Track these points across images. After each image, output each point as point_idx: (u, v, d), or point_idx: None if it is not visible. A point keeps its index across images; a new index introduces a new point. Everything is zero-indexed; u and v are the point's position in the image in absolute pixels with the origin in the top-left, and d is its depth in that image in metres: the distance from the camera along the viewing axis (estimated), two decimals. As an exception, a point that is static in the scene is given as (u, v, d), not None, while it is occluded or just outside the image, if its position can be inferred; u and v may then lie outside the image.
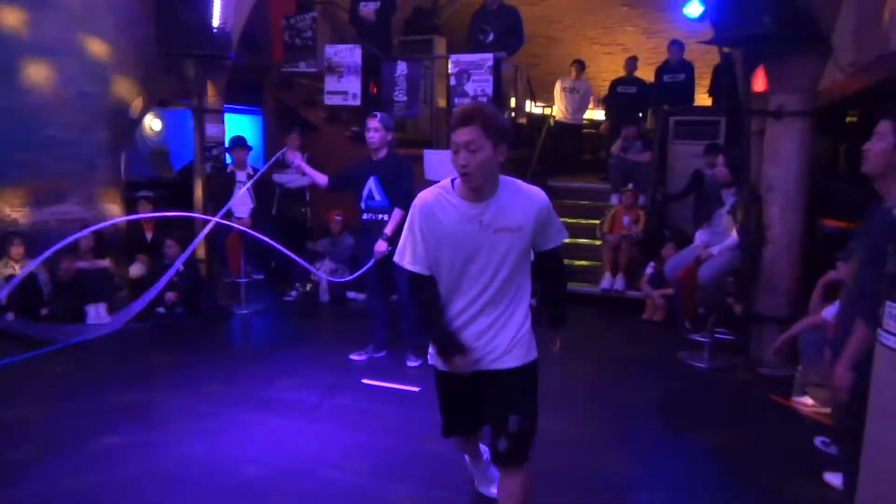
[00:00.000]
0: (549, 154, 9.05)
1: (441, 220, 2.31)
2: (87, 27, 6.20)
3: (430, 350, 2.54)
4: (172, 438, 3.83)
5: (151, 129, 9.03)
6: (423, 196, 2.38)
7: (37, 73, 6.03)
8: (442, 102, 8.43)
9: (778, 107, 5.07)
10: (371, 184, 4.89)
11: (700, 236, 5.33)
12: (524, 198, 2.33)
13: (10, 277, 5.65)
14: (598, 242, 7.31)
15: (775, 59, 5.05)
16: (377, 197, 4.90)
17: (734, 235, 5.05)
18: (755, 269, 5.13)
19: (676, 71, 8.68)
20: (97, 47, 6.28)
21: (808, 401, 4.28)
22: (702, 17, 8.39)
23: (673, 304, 6.15)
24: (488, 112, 2.25)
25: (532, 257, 2.47)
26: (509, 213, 2.29)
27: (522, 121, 9.40)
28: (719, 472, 3.58)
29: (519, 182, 2.38)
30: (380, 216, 4.91)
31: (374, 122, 4.88)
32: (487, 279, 2.33)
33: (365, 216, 4.98)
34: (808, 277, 5.02)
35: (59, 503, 3.17)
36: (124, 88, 6.55)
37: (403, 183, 4.75)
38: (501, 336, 2.38)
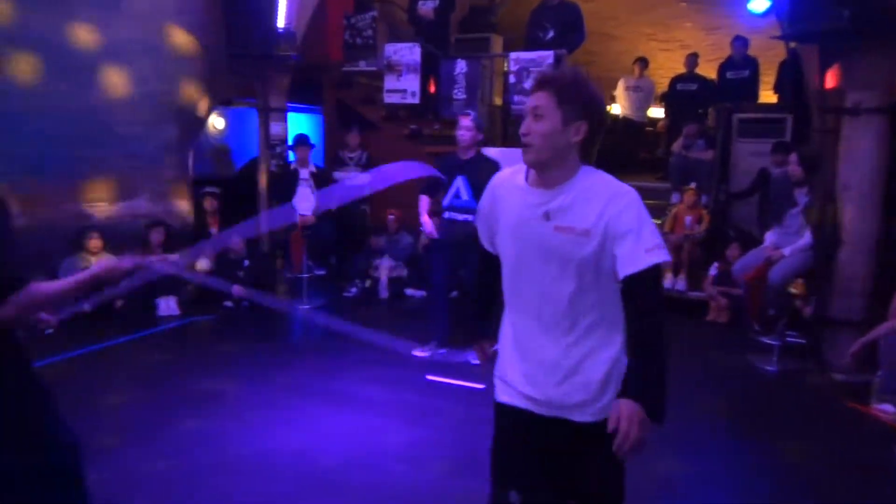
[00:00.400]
0: (607, 153, 8.94)
1: (505, 200, 1.95)
2: (157, 29, 6.41)
3: (495, 380, 2.06)
4: (245, 428, 3.94)
5: (214, 128, 9.26)
6: (501, 172, 2.08)
7: (108, 74, 6.25)
8: (498, 101, 8.42)
9: (854, 104, 4.91)
10: (459, 183, 4.89)
11: (770, 237, 5.21)
12: (602, 193, 1.79)
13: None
14: (658, 241, 7.19)
15: (853, 56, 4.89)
16: (464, 196, 4.88)
17: (807, 236, 4.91)
18: (829, 271, 4.98)
19: (740, 67, 8.48)
20: (166, 48, 6.49)
21: (890, 408, 4.14)
22: (767, 13, 8.17)
23: (739, 306, 6.02)
24: (570, 79, 1.82)
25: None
26: (578, 210, 1.80)
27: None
28: (791, 481, 3.49)
29: (605, 176, 1.85)
30: (464, 216, 4.85)
31: (466, 121, 4.87)
32: (544, 289, 1.86)
33: (447, 214, 4.97)
34: (882, 280, 4.86)
35: (137, 487, 3.29)
36: (192, 88, 6.75)
37: None
38: (577, 378, 1.86)
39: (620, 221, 1.75)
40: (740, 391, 4.78)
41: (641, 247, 1.73)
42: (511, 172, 1.99)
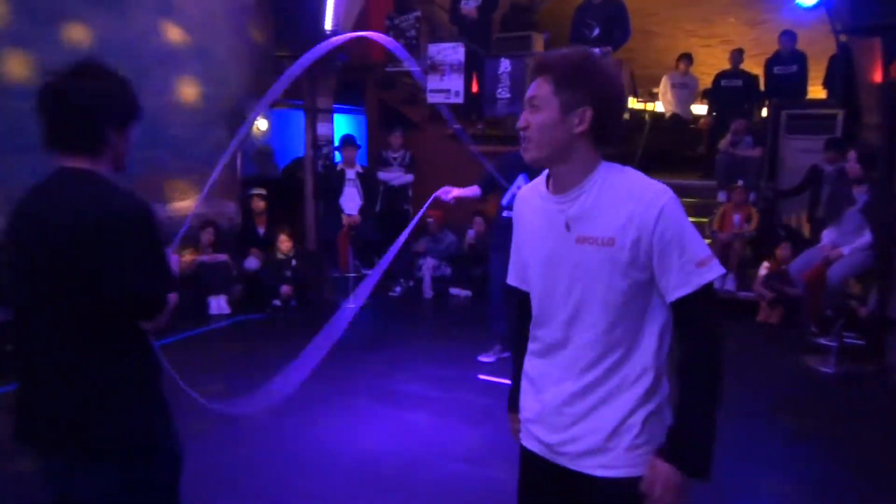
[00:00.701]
0: (655, 150, 8.87)
1: (525, 217, 1.70)
2: (208, 31, 6.52)
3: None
4: (304, 425, 3.98)
5: (258, 129, 9.40)
6: (525, 186, 1.78)
7: (159, 76, 6.37)
8: (539, 99, 8.38)
9: (917, 99, 4.80)
10: (520, 181, 4.87)
11: (828, 235, 5.11)
12: (628, 193, 1.50)
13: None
14: (706, 241, 7.11)
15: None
16: None
17: (867, 235, 4.81)
18: (889, 270, 4.88)
19: (788, 62, 8.31)
20: (216, 50, 6.59)
21: (959, 411, 4.04)
22: (816, 6, 8.01)
23: (792, 306, 5.92)
24: (569, 60, 1.53)
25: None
26: (599, 215, 1.51)
27: (626, 116, 9.25)
28: (854, 485, 3.40)
29: (633, 172, 1.56)
30: None
31: None
32: (568, 315, 1.57)
33: (506, 213, 4.95)
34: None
35: (194, 484, 3.32)
36: (241, 89, 6.85)
37: None
38: (594, 418, 1.55)
39: (657, 230, 1.45)
40: (798, 393, 4.69)
41: (690, 262, 1.45)
42: (534, 182, 1.71)
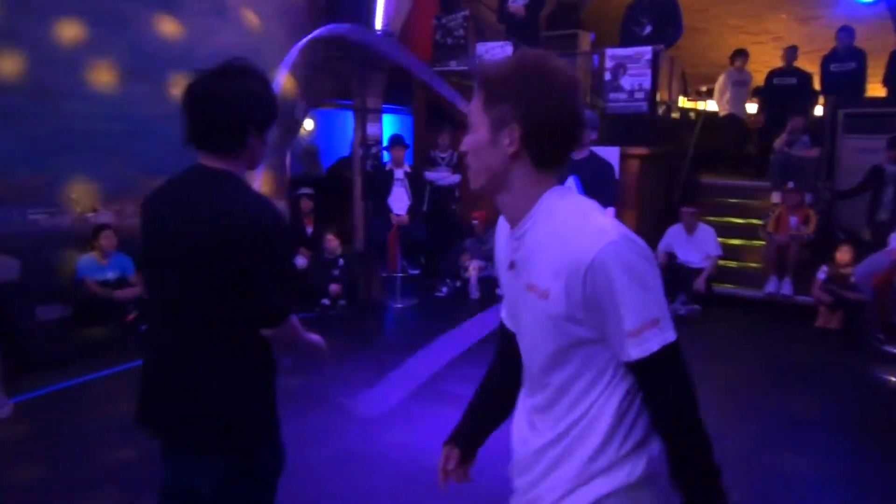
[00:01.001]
0: (700, 150, 8.70)
1: (500, 247, 1.47)
2: (260, 32, 6.58)
3: None
4: (359, 426, 3.96)
5: (304, 129, 9.48)
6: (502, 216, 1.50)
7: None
8: (587, 99, 8.29)
9: None
10: (571, 183, 4.82)
11: (895, 239, 4.94)
12: (560, 235, 1.25)
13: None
14: (757, 243, 6.94)
15: None
16: None
17: (939, 239, 4.64)
18: (963, 276, 4.69)
19: (845, 59, 8.06)
20: (268, 51, 6.65)
21: None
22: (876, 2, 7.77)
23: (853, 312, 5.73)
24: (497, 70, 1.30)
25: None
26: (538, 260, 1.29)
27: (675, 115, 9.10)
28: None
29: (574, 205, 1.31)
30: None
31: None
32: (533, 366, 1.38)
33: None
34: None
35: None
36: (291, 89, 6.91)
37: (611, 184, 4.63)
38: (548, 482, 1.35)
39: (587, 282, 1.20)
40: (866, 404, 4.54)
41: (623, 330, 1.20)
42: None
